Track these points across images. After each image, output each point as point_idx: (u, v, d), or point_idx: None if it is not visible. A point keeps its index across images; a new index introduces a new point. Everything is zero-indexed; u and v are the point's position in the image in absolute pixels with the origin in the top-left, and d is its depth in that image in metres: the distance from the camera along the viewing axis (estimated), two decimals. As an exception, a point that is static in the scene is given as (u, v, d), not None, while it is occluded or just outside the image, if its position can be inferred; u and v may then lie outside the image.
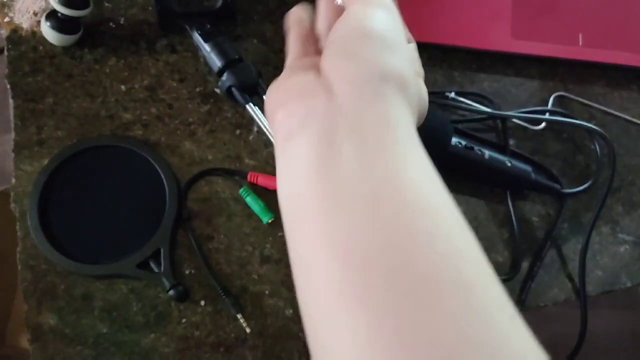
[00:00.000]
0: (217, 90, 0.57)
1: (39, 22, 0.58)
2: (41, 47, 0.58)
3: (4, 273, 1.01)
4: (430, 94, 0.58)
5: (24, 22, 0.59)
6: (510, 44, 0.59)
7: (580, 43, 0.60)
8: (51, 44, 0.58)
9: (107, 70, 0.58)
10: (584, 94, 0.60)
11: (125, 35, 0.59)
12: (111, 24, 0.59)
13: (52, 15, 0.56)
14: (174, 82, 0.58)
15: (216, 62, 0.55)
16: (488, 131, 0.58)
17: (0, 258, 0.99)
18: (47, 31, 0.56)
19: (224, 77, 0.54)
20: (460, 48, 0.60)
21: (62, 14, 0.55)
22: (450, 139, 0.52)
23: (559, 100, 0.59)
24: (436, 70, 0.60)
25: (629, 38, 0.60)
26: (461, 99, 0.58)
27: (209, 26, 0.56)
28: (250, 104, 0.54)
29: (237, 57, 0.55)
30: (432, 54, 0.61)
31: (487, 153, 0.53)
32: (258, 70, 0.55)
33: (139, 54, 0.58)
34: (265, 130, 0.54)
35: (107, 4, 0.60)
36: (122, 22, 0.59)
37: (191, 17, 0.57)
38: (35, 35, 0.58)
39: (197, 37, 0.56)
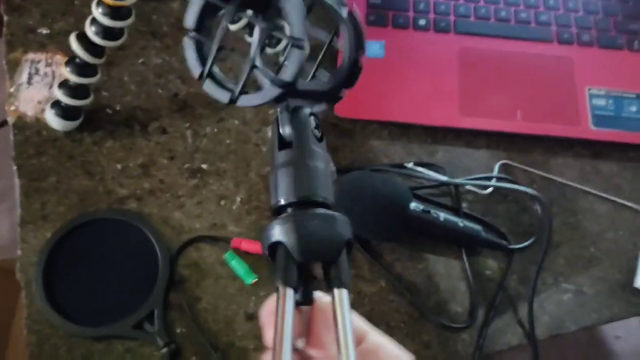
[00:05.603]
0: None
1: (42, 109, 0.66)
2: (44, 132, 0.65)
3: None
4: (390, 165, 0.67)
5: (29, 110, 0.66)
6: (459, 120, 0.68)
7: (519, 117, 0.69)
8: (53, 129, 0.65)
9: (105, 151, 0.65)
10: (525, 161, 0.69)
11: (121, 120, 0.67)
12: (108, 110, 0.67)
13: (56, 104, 0.63)
14: (164, 159, 0.65)
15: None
16: (443, 196, 0.66)
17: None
18: (52, 118, 0.63)
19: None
20: (416, 125, 0.69)
21: (65, 104, 0.62)
22: (409, 204, 0.60)
23: (504, 167, 0.68)
24: (396, 144, 0.69)
25: (560, 112, 0.70)
26: (419, 168, 0.66)
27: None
28: None
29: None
30: (392, 130, 0.69)
31: (442, 215, 0.61)
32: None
33: (133, 136, 0.66)
34: None
35: (104, 93, 0.68)
36: (118, 108, 0.67)
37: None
38: (39, 122, 0.65)
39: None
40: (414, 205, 0.60)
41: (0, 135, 1.61)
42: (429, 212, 0.61)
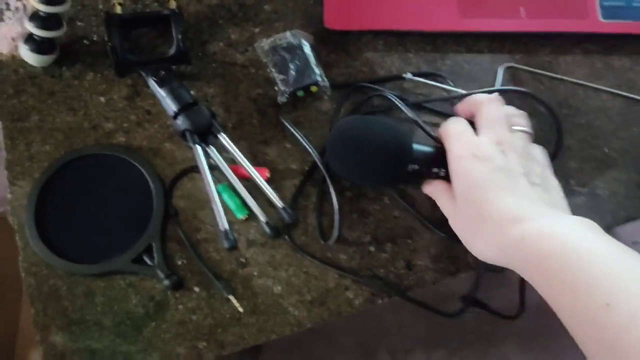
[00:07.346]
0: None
1: (17, 46, 0.62)
2: (22, 70, 0.62)
3: (7, 291, 1.04)
4: (386, 78, 0.63)
5: (4, 48, 0.63)
6: (458, 23, 0.64)
7: (523, 15, 0.64)
8: (31, 66, 0.62)
9: (86, 85, 0.62)
10: (531, 63, 0.65)
11: (99, 51, 0.63)
12: (85, 41, 0.63)
13: (29, 38, 0.60)
14: (149, 89, 0.62)
15: (171, 106, 0.58)
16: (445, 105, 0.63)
17: (2, 277, 1.04)
18: (26, 54, 0.60)
19: (179, 120, 0.58)
20: (413, 32, 0.64)
21: (38, 36, 0.59)
22: (407, 165, 0.52)
23: (509, 71, 0.64)
24: (392, 55, 0.65)
25: (567, 5, 0.65)
26: (417, 79, 0.62)
27: (163, 72, 0.59)
28: (198, 146, 0.57)
29: (191, 101, 0.58)
30: (387, 40, 0.65)
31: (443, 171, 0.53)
32: (212, 111, 0.59)
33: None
34: (220, 167, 0.58)
35: (79, 23, 0.64)
36: (95, 38, 0.63)
37: (146, 64, 0.60)
38: (15, 59, 0.62)
39: (152, 84, 0.59)
40: (410, 167, 0.52)
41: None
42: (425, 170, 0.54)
